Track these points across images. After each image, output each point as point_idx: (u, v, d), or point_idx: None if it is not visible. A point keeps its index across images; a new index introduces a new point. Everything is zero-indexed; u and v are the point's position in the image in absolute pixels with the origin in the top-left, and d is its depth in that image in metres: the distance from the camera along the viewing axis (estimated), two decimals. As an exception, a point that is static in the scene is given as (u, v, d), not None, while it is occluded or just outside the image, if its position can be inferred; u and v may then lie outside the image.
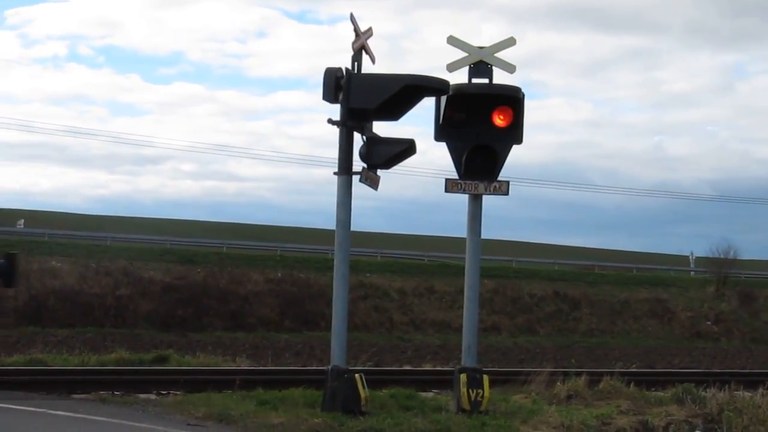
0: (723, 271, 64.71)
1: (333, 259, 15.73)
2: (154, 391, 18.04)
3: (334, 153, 15.33)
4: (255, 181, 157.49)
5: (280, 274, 49.84)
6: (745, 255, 72.12)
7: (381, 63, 15.68)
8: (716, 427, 15.33)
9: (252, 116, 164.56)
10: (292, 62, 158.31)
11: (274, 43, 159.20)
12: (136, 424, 14.29)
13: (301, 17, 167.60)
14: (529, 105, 16.18)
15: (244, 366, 24.54)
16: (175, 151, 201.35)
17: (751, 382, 20.65)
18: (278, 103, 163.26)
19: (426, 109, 16.12)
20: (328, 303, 16.68)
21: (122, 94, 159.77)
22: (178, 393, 17.84)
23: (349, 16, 15.13)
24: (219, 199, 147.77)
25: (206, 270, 48.81)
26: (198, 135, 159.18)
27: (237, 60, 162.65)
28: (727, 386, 17.69)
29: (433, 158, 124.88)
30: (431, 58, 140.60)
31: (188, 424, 14.62)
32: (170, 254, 52.89)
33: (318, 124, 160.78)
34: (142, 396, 17.26)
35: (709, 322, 56.48)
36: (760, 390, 17.15)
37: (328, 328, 16.32)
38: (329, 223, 16.25)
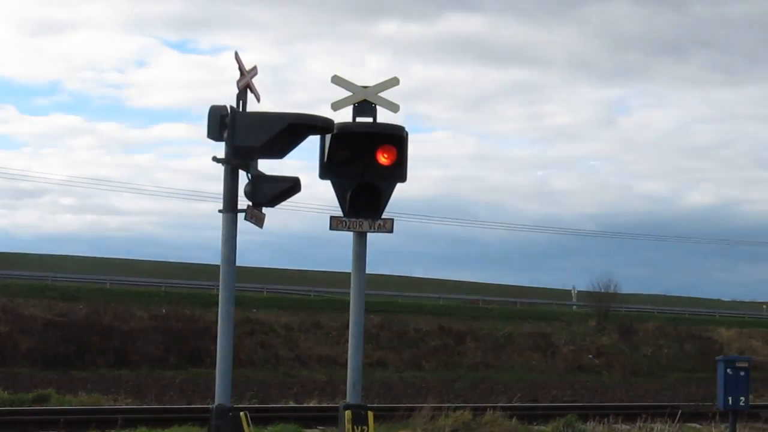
0: (604, 305, 66.01)
1: (218, 295, 15.68)
2: (35, 432, 17.75)
3: (218, 187, 15.33)
4: (137, 215, 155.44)
5: (164, 311, 49.36)
6: (626, 289, 73.72)
7: (265, 95, 15.76)
8: (595, 460, 15.66)
9: (133, 149, 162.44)
10: (173, 93, 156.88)
11: (154, 72, 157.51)
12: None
13: (181, 47, 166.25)
14: (414, 138, 16.46)
15: (127, 404, 24.32)
16: (53, 184, 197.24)
17: (630, 415, 21.09)
18: (160, 135, 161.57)
19: (312, 142, 16.24)
20: (214, 339, 16.63)
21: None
22: (59, 433, 17.58)
23: (230, 46, 15.26)
24: (100, 233, 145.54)
25: (89, 306, 48.11)
26: (77, 168, 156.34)
27: (116, 90, 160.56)
28: (606, 419, 18.07)
29: (318, 193, 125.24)
30: (315, 89, 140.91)
31: (69, 465, 14.42)
32: (51, 290, 52.02)
33: (201, 158, 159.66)
34: (22, 437, 16.97)
35: (590, 356, 57.47)
36: (638, 423, 17.55)
37: (214, 364, 16.24)
38: (214, 258, 16.25)
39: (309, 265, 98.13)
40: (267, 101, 15.80)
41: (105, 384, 34.48)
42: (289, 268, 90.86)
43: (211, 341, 42.07)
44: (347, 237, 16.54)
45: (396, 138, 16.17)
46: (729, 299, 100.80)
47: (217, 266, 15.57)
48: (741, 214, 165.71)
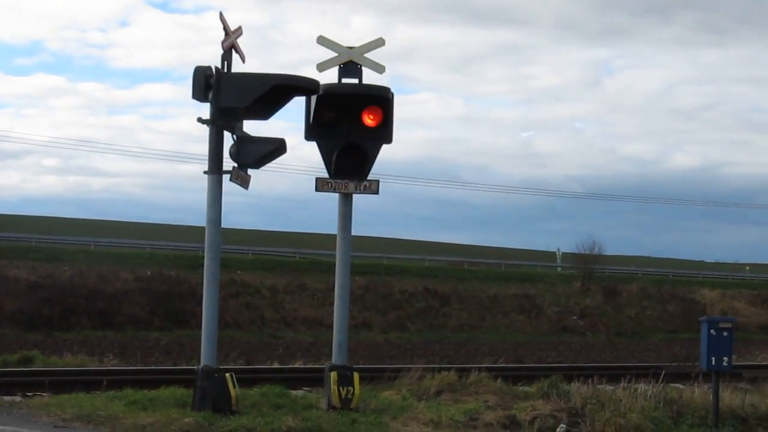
0: (588, 267, 66.22)
1: (203, 257, 15.68)
2: (20, 393, 17.72)
3: (202, 149, 15.34)
4: (121, 176, 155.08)
5: (149, 272, 49.28)
6: (611, 250, 73.98)
7: (250, 56, 15.71)
8: (580, 420, 15.73)
9: (116, 110, 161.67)
10: (157, 53, 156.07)
11: (137, 32, 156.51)
12: (1, 427, 14.03)
13: (164, 6, 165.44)
14: (399, 100, 16.40)
15: (113, 366, 24.31)
16: (36, 145, 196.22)
17: (614, 375, 21.18)
18: (143, 96, 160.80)
19: (297, 104, 16.20)
20: (199, 301, 16.65)
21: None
22: (44, 394, 17.58)
23: (214, 6, 15.25)
24: (84, 195, 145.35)
25: (73, 268, 48.00)
26: (60, 129, 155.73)
27: (99, 50, 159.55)
28: (590, 380, 18.14)
29: (304, 154, 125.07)
30: (300, 50, 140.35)
31: (55, 426, 14.42)
32: (36, 252, 51.92)
33: (185, 119, 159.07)
34: (7, 398, 16.93)
35: (575, 317, 57.72)
36: (622, 383, 17.62)
37: (199, 326, 16.28)
38: (199, 219, 16.23)
39: (294, 227, 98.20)
40: (251, 62, 15.75)
41: (90, 345, 34.45)
42: (274, 229, 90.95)
43: (196, 303, 42.06)
44: (333, 198, 16.54)
45: (382, 99, 16.16)
46: (712, 261, 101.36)
47: (202, 228, 15.56)
48: (726, 176, 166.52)
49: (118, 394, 16.79)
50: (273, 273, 54.47)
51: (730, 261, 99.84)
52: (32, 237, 60.00)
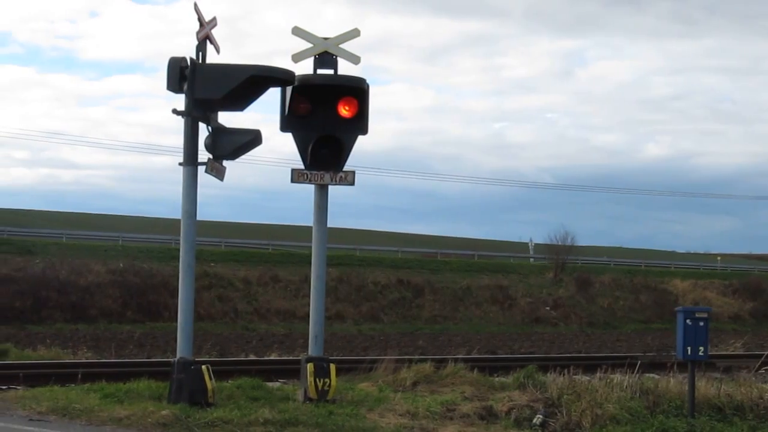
0: (561, 258, 66.41)
1: (176, 249, 15.61)
2: (-6, 387, 17.60)
3: (173, 140, 15.29)
4: (92, 168, 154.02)
5: (122, 265, 49.08)
6: (583, 241, 74.22)
7: (222, 48, 15.63)
8: (557, 410, 15.74)
9: (86, 101, 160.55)
10: (127, 44, 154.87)
11: (107, 23, 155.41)
12: (-24, 421, 13.95)
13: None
14: (371, 91, 16.31)
15: (87, 358, 24.21)
16: (5, 138, 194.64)
17: (590, 365, 21.24)
18: (114, 87, 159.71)
19: (271, 95, 16.11)
20: (172, 293, 16.60)
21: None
22: (19, 388, 17.46)
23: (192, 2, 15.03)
24: (55, 187, 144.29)
25: (45, 261, 47.75)
26: (30, 121, 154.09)
27: (69, 41, 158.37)
28: (566, 370, 18.16)
29: (278, 146, 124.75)
30: (272, 41, 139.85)
31: (30, 419, 14.33)
32: (7, 245, 51.55)
33: (156, 111, 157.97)
34: (-19, 392, 16.83)
35: (548, 308, 57.87)
36: (598, 374, 17.66)
37: (172, 318, 16.22)
38: (171, 212, 16.18)
39: (267, 219, 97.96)
40: (225, 54, 15.67)
41: (62, 338, 34.28)
42: (246, 221, 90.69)
43: (169, 295, 42.00)
44: (307, 191, 16.47)
45: (357, 90, 16.11)
46: (684, 251, 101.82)
47: (174, 220, 15.52)
48: (696, 166, 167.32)
49: (93, 387, 16.70)
50: (246, 265, 54.37)
51: (702, 251, 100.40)
52: (3, 230, 59.57)
